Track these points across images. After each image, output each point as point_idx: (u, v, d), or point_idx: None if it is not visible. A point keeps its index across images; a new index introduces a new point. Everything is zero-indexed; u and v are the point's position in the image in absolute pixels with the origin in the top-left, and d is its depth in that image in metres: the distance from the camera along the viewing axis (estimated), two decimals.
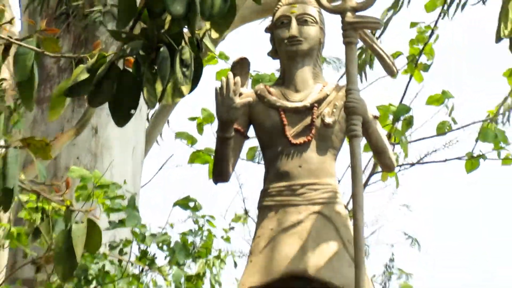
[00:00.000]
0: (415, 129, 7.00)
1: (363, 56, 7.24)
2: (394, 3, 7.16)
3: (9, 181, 3.35)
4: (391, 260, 8.55)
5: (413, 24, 7.29)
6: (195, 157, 6.79)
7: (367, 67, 7.29)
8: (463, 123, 7.18)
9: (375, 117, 4.18)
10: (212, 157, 5.83)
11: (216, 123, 4.28)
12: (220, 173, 4.17)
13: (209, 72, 7.49)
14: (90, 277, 4.99)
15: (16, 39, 3.36)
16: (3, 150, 3.39)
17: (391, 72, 4.10)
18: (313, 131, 4.04)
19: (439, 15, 7.26)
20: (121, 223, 5.15)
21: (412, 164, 7.15)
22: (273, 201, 4.06)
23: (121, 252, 5.22)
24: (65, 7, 6.39)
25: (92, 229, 3.49)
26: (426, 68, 7.23)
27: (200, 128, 6.90)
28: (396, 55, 7.13)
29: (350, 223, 4.12)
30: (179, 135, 7.05)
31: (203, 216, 5.27)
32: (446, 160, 7.15)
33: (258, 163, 6.77)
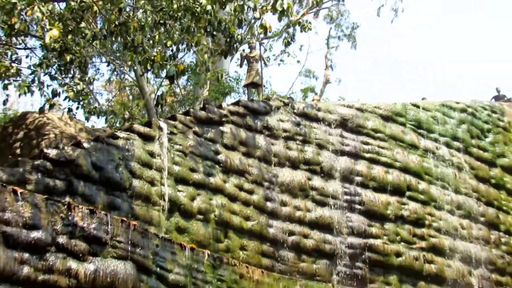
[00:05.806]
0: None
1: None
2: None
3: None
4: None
5: None
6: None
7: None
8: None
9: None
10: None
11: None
12: (241, 65, 22.18)
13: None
14: None
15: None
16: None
17: (264, 62, 23.72)
18: (255, 59, 22.35)
19: None
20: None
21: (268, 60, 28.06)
22: (248, 72, 22.41)
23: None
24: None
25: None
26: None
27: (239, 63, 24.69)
28: None
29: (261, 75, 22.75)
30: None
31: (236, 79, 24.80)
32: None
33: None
